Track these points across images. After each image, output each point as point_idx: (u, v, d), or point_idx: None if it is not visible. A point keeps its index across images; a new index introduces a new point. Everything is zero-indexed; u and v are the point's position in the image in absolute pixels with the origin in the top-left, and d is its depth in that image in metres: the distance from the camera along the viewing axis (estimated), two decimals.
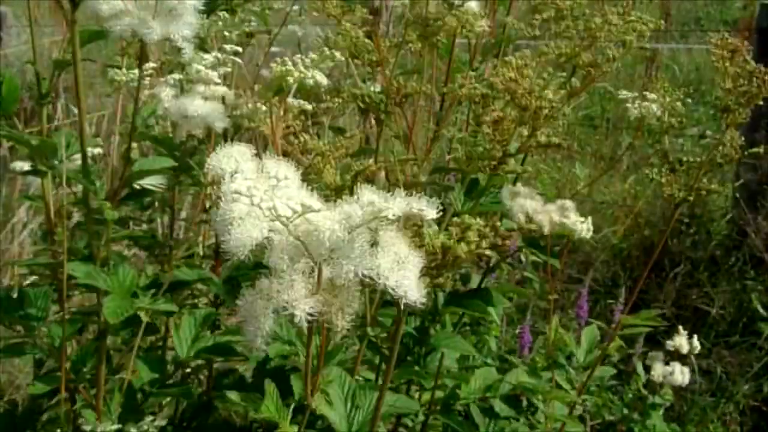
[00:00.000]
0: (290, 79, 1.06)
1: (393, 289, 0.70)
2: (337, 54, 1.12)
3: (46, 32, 4.55)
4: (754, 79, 1.12)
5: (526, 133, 0.94)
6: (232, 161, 0.78)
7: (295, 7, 1.75)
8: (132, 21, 0.98)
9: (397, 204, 0.71)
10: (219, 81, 1.31)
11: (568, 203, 1.02)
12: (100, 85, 4.38)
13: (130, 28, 0.98)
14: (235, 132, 1.32)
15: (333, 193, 0.82)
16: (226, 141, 1.43)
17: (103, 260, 1.17)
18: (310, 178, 0.87)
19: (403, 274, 0.70)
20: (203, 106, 1.24)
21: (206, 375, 1.54)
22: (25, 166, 1.68)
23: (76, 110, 3.32)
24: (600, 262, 3.20)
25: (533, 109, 0.89)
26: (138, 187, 1.24)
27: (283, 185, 0.74)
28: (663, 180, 1.13)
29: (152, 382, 1.30)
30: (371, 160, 0.88)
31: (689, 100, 1.20)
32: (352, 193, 0.77)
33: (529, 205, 1.04)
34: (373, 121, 1.79)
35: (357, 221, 0.71)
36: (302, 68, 1.06)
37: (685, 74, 4.98)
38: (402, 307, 0.71)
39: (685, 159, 1.11)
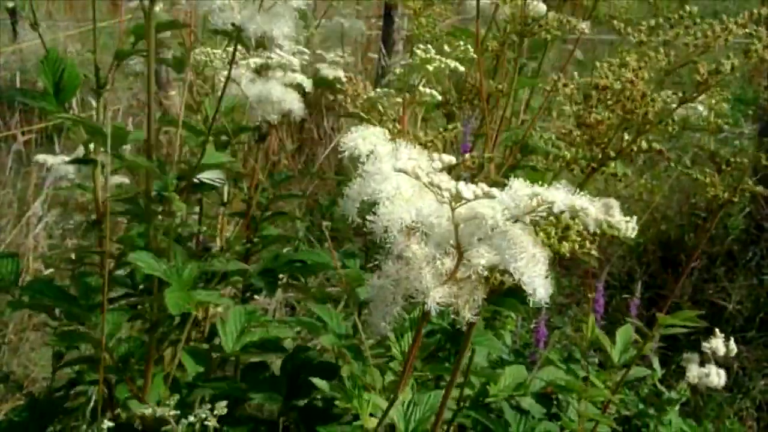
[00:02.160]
0: (430, 68, 1.06)
1: (525, 285, 0.70)
2: (471, 49, 1.12)
3: (60, 26, 4.55)
4: None
5: (627, 137, 0.93)
6: (367, 142, 0.79)
7: (309, 2, 1.76)
8: (237, 16, 1.02)
9: (562, 197, 0.71)
10: (298, 68, 1.33)
11: (612, 201, 1.02)
12: (117, 80, 4.40)
13: (234, 23, 1.02)
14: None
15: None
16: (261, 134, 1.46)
17: (160, 251, 1.18)
18: None
19: (536, 270, 0.70)
20: (284, 92, 1.26)
21: (232, 368, 1.55)
22: (49, 159, 1.68)
23: (94, 103, 3.32)
24: (616, 257, 3.19)
25: (641, 113, 0.89)
26: (197, 180, 1.24)
27: (438, 170, 0.74)
28: (707, 180, 1.13)
29: (197, 376, 1.30)
30: (467, 155, 0.88)
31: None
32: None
33: (575, 203, 1.03)
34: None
35: (518, 211, 0.70)
36: (442, 57, 1.07)
37: None
38: (530, 303, 0.71)
39: (732, 159, 1.10)
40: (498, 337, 1.83)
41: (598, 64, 0.95)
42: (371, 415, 0.99)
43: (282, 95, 1.28)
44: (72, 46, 3.62)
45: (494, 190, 0.69)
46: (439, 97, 1.14)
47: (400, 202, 0.70)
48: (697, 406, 2.50)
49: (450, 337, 1.23)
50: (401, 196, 0.71)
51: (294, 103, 1.29)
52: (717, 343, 1.53)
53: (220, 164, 1.22)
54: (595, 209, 1.01)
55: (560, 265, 3.18)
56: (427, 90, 1.09)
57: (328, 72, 1.58)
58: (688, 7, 0.98)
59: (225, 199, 1.62)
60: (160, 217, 1.19)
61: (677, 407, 1.80)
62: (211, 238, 1.71)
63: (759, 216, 3.14)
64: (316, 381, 1.01)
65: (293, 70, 1.35)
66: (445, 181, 0.70)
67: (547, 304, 0.71)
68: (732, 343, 1.55)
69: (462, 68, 1.10)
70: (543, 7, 1.14)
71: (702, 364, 1.55)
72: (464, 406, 1.33)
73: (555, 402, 1.39)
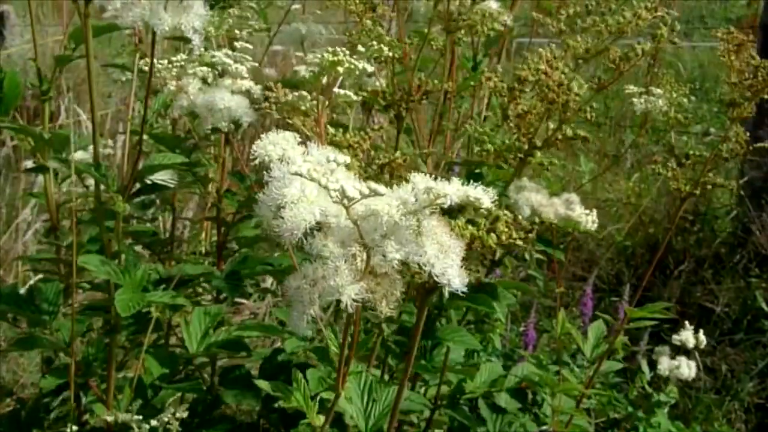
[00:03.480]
0: (340, 69, 1.05)
1: (437, 276, 0.71)
2: (385, 48, 1.11)
3: (49, 31, 4.56)
4: (759, 73, 1.14)
5: (552, 126, 0.94)
6: (278, 147, 0.79)
7: (297, 6, 1.76)
8: (143, 12, 0.98)
9: (454, 190, 0.71)
10: (246, 75, 1.32)
11: (573, 197, 1.03)
12: (103, 84, 4.39)
13: (141, 19, 0.99)
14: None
15: None
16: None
17: (114, 254, 1.17)
18: None
19: (447, 261, 0.71)
20: (231, 100, 1.26)
21: (210, 371, 1.55)
22: (30, 163, 1.69)
23: (79, 109, 3.32)
24: (604, 260, 3.20)
25: (561, 102, 0.90)
26: (149, 182, 1.24)
27: (339, 169, 0.74)
28: (669, 174, 1.14)
29: (162, 378, 1.30)
30: (397, 153, 0.88)
31: (693, 98, 1.21)
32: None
33: (534, 199, 1.04)
34: (376, 118, 1.79)
35: (414, 206, 0.71)
36: (352, 59, 1.06)
37: (688, 71, 4.98)
38: (446, 293, 0.72)
39: (691, 153, 1.11)
40: (487, 340, 1.83)
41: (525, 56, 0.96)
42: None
43: (229, 102, 1.27)
44: (60, 50, 3.63)
45: (382, 188, 0.70)
46: (356, 98, 1.14)
47: (305, 204, 0.71)
48: (686, 409, 2.50)
49: (424, 334, 1.23)
50: (306, 198, 0.71)
51: (241, 110, 1.28)
52: (687, 335, 1.54)
53: (171, 165, 1.21)
54: (557, 204, 1.02)
55: (548, 268, 3.18)
56: (342, 91, 1.09)
57: (306, 74, 1.57)
58: None
59: (207, 204, 1.62)
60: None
61: (666, 409, 1.81)
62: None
63: (746, 219, 3.15)
64: (258, 382, 1.00)
65: (242, 77, 1.34)
66: (340, 180, 0.70)
67: (461, 291, 0.72)
68: (701, 335, 1.55)
69: (371, 68, 1.10)
70: (494, 5, 1.14)
71: (674, 357, 1.56)
72: (441, 404, 1.33)
73: (532, 398, 1.39)
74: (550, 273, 3.19)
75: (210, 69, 1.34)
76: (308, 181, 0.71)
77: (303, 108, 0.96)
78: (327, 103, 0.99)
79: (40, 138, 1.16)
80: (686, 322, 1.61)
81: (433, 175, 0.72)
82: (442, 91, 1.16)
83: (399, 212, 0.71)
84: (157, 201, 1.60)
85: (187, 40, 1.01)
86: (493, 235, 0.73)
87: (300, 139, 0.82)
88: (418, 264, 0.71)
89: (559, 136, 0.95)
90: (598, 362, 1.31)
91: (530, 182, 1.05)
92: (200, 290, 1.59)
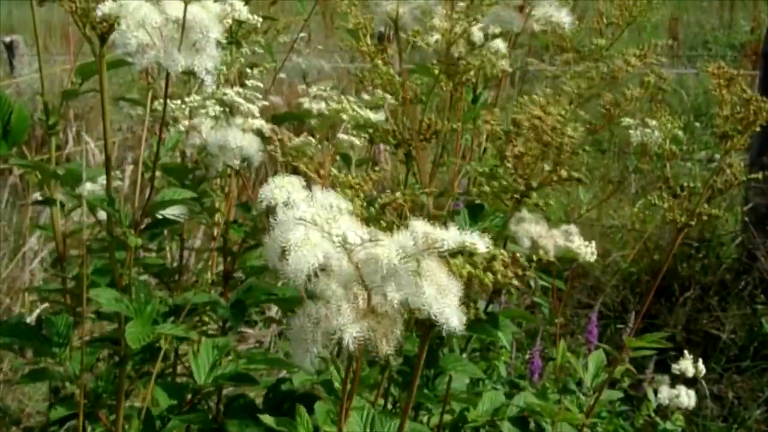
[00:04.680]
0: (344, 117, 1.08)
1: (435, 316, 0.73)
2: (389, 97, 1.13)
3: (58, 60, 4.62)
4: (751, 106, 1.16)
5: (547, 167, 0.97)
6: (283, 191, 0.83)
7: (303, 34, 1.78)
8: (158, 54, 1.00)
9: (451, 236, 0.74)
10: (257, 114, 1.34)
11: (573, 228, 1.04)
12: (113, 112, 4.44)
13: (156, 61, 1.01)
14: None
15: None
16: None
17: (124, 286, 1.19)
18: None
19: (445, 302, 0.73)
20: (243, 138, 1.28)
21: (215, 400, 1.55)
22: (39, 194, 1.71)
23: (87, 137, 3.34)
24: (610, 287, 3.20)
25: (556, 145, 0.93)
26: (159, 216, 1.25)
27: (341, 215, 0.77)
28: (665, 205, 1.15)
29: (170, 409, 1.31)
30: (398, 193, 0.90)
31: (697, 124, 1.23)
32: (378, 225, 0.80)
33: (534, 230, 1.05)
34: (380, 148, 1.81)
35: (412, 251, 0.74)
36: (356, 107, 1.08)
37: (692, 98, 5.00)
38: (444, 334, 0.73)
39: (686, 184, 1.13)
40: (492, 368, 1.84)
41: (519, 99, 0.99)
42: None
43: (241, 141, 1.29)
44: (67, 79, 3.68)
45: (382, 235, 0.74)
46: (358, 143, 1.15)
47: (308, 248, 0.74)
48: None
49: (426, 363, 1.24)
50: (309, 242, 0.74)
51: (252, 149, 1.31)
52: (686, 365, 1.54)
53: (183, 200, 1.23)
54: (557, 235, 1.04)
55: (553, 295, 3.18)
56: (345, 137, 1.11)
57: (310, 106, 1.60)
58: (596, 40, 1.02)
59: (214, 234, 1.63)
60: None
61: None
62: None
63: (751, 245, 3.15)
64: (263, 417, 1.01)
65: (253, 116, 1.37)
66: (343, 226, 0.74)
67: (461, 330, 0.74)
68: (700, 364, 1.56)
69: (376, 118, 1.11)
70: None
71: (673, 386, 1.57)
72: None
73: (536, 426, 1.40)
74: (556, 300, 3.19)
75: (221, 107, 1.36)
76: (312, 226, 0.74)
77: (308, 153, 0.98)
78: (332, 147, 1.01)
79: (50, 174, 1.18)
80: (686, 351, 1.61)
81: (433, 218, 0.75)
82: (452, 130, 1.18)
83: (398, 256, 0.73)
84: (165, 232, 1.62)
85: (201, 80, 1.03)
86: (489, 273, 0.75)
87: (305, 182, 0.85)
88: (417, 305, 0.73)
89: (555, 178, 0.97)
90: (599, 391, 1.32)
91: (529, 214, 1.07)
92: (206, 319, 1.60)
